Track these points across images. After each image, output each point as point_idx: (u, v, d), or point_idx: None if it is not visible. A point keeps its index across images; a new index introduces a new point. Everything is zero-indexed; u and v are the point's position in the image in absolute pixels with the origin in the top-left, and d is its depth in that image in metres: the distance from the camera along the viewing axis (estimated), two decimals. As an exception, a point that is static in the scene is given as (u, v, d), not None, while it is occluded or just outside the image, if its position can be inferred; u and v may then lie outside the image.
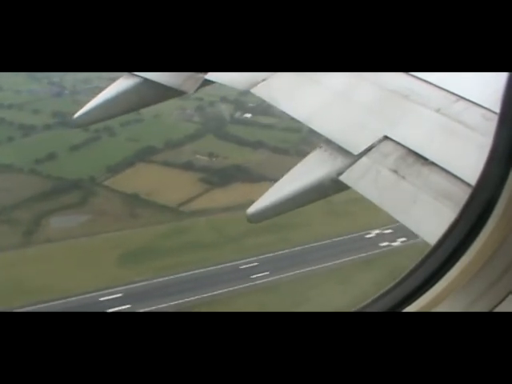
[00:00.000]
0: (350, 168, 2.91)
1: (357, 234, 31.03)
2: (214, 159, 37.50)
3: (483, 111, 2.69)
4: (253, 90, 3.30)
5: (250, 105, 40.45)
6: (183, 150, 39.51)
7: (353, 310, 1.42)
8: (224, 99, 40.80)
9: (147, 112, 39.41)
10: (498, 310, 1.35)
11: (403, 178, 2.74)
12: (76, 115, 4.09)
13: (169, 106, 42.43)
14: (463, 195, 2.19)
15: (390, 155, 2.83)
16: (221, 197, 34.14)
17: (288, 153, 35.43)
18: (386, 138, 2.88)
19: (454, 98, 2.88)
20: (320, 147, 3.07)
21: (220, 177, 35.90)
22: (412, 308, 1.38)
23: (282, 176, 3.19)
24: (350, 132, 3.07)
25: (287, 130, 37.14)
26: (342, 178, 2.92)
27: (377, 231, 30.85)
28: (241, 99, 40.65)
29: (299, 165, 3.14)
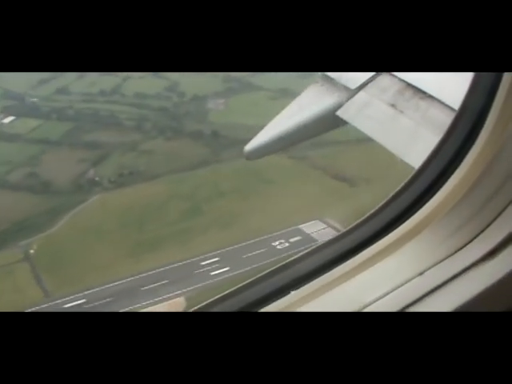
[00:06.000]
0: (348, 103, 2.88)
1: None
2: None
3: None
4: None
5: (33, 100, 32.88)
6: None
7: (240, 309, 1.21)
8: (6, 93, 32.44)
9: None
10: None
11: (401, 112, 2.72)
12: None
13: None
14: None
15: (388, 89, 2.80)
16: None
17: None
18: None
19: None
20: (316, 82, 3.01)
21: None
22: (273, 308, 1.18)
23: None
24: None
25: (32, 142, 30.10)
26: (339, 113, 2.88)
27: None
28: (29, 92, 32.70)
29: (296, 100, 3.09)
